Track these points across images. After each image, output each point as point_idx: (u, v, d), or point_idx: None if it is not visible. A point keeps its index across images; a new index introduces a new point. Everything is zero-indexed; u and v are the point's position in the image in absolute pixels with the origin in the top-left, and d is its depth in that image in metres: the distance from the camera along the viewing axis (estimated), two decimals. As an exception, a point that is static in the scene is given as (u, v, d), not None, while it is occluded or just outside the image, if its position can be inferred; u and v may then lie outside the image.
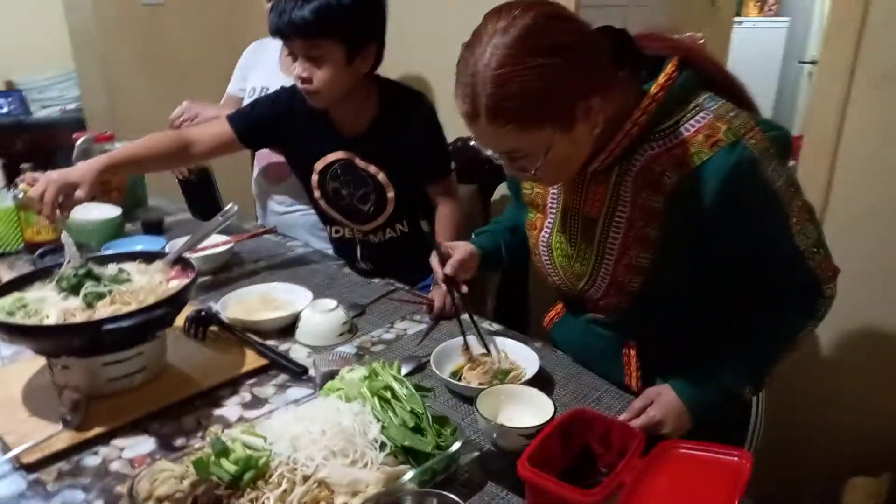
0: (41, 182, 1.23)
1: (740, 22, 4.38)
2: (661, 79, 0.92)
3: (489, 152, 0.94)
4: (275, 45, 1.91)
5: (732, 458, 0.80)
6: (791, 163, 2.33)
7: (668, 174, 0.92)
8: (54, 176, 1.23)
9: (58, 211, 1.23)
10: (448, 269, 1.13)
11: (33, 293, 0.98)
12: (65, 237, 1.12)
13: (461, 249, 1.18)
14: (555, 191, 1.09)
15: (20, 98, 5.06)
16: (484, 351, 1.15)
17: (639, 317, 1.06)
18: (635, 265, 1.00)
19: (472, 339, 1.17)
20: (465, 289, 1.16)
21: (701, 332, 1.05)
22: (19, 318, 0.93)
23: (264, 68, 1.88)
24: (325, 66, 1.33)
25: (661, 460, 0.81)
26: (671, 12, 2.29)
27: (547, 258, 1.12)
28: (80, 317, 0.93)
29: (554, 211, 1.09)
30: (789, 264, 0.96)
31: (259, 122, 1.48)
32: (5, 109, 4.97)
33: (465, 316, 1.18)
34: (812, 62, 4.40)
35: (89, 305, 0.96)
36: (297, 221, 1.84)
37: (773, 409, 1.19)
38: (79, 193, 1.24)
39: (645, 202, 0.95)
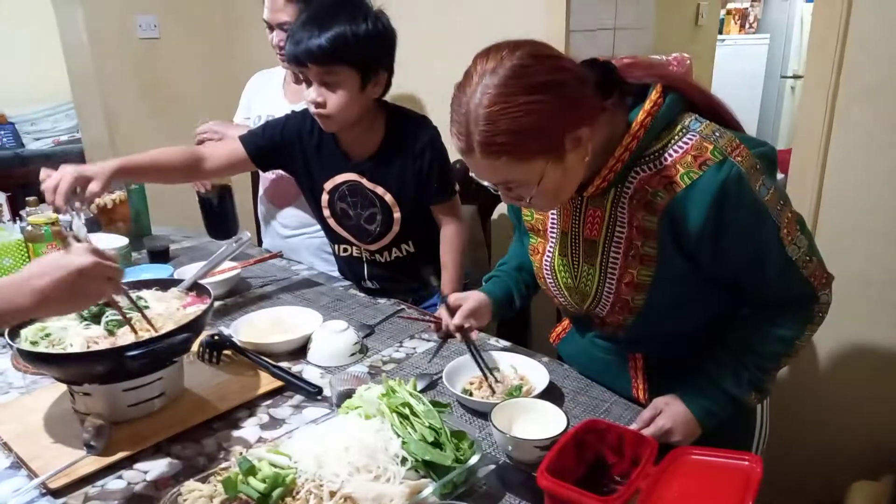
0: (56, 174, 1.25)
1: (723, 40, 4.49)
2: (647, 105, 0.97)
3: (486, 183, 0.99)
4: (277, 75, 1.96)
5: (743, 462, 0.83)
6: (780, 176, 2.40)
7: (661, 194, 0.96)
8: (69, 168, 1.25)
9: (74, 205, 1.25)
10: (457, 320, 1.17)
11: (55, 322, 1.00)
12: (77, 225, 1.18)
13: (471, 299, 1.21)
14: (554, 215, 1.13)
15: (13, 131, 5.10)
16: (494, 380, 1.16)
17: (643, 331, 1.10)
18: (637, 283, 1.03)
19: (488, 356, 1.20)
20: (475, 336, 1.20)
21: (704, 341, 1.08)
22: (43, 347, 0.95)
23: (268, 97, 1.92)
24: (339, 92, 1.37)
25: (674, 467, 0.84)
26: (657, 34, 2.36)
27: (552, 281, 1.16)
28: (103, 344, 0.96)
29: (554, 235, 1.13)
30: (783, 274, 0.99)
31: (270, 144, 1.53)
32: (-1, 142, 5.01)
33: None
34: (794, 76, 4.53)
35: (111, 333, 0.99)
36: (301, 244, 1.87)
37: (777, 416, 1.23)
38: (93, 187, 1.26)
39: (641, 222, 1.00)
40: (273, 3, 1.73)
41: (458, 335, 1.19)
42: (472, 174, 0.99)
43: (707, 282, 1.03)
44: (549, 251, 1.15)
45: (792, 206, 0.99)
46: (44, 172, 1.26)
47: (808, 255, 0.99)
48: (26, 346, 0.94)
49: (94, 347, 0.95)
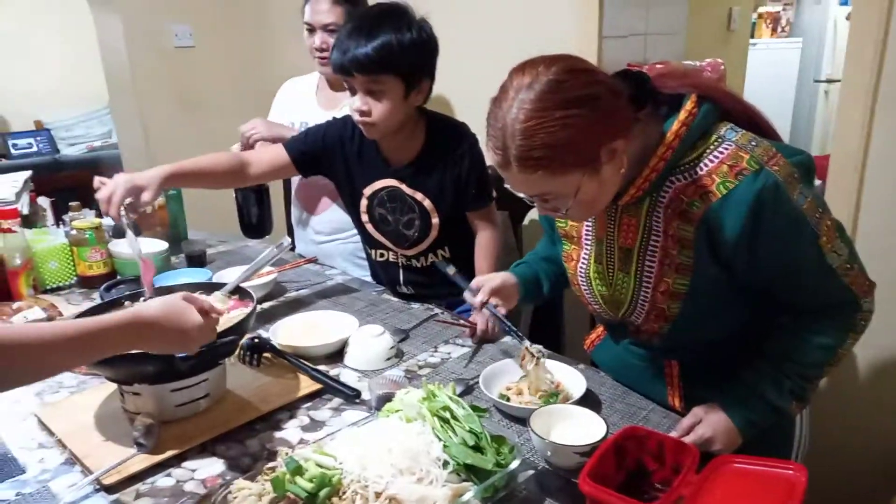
0: (110, 184, 1.29)
1: (755, 44, 4.44)
2: (682, 115, 0.97)
3: (521, 194, 1.00)
4: (310, 82, 1.99)
5: (787, 471, 0.82)
6: (818, 182, 2.37)
7: (697, 204, 0.97)
8: (122, 179, 1.29)
9: (123, 211, 1.30)
10: (481, 296, 1.19)
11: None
12: (130, 239, 1.24)
13: (497, 277, 1.23)
14: (589, 223, 1.14)
15: (48, 137, 5.25)
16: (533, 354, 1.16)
17: (678, 338, 1.10)
18: (673, 291, 1.04)
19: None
20: (502, 310, 1.21)
21: (741, 348, 1.08)
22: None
23: (302, 104, 1.95)
24: (384, 101, 1.39)
25: (716, 475, 0.84)
26: (689, 39, 2.34)
27: (586, 288, 1.16)
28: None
29: (589, 243, 1.14)
30: (824, 282, 0.99)
31: (312, 150, 1.56)
32: (35, 148, 5.16)
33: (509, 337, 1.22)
34: (828, 81, 4.46)
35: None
36: (335, 250, 1.90)
37: (817, 425, 1.21)
38: (146, 196, 1.31)
39: (676, 231, 1.00)
40: (317, 5, 1.76)
41: (483, 311, 1.21)
42: (506, 185, 1.00)
43: (743, 290, 1.03)
44: (584, 258, 1.15)
45: (831, 213, 0.99)
46: (97, 181, 1.31)
47: (849, 263, 0.98)
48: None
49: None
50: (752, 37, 4.61)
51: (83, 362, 0.85)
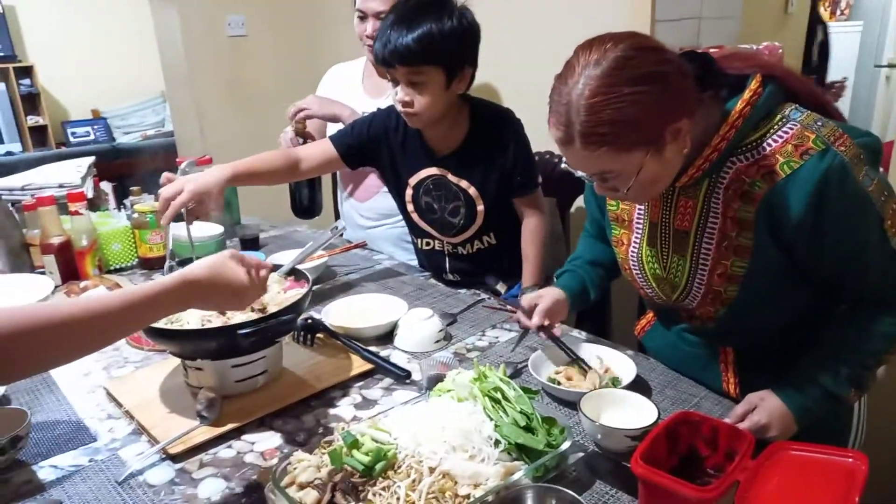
0: (174, 185, 1.32)
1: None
2: (746, 94, 0.96)
3: (580, 174, 0.99)
4: (354, 68, 2.01)
5: (846, 459, 0.81)
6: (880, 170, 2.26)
7: (759, 184, 0.95)
8: (188, 185, 1.32)
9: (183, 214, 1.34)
10: (535, 321, 1.19)
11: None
12: (183, 231, 1.32)
13: (547, 297, 1.22)
14: (641, 206, 1.13)
15: (105, 125, 5.46)
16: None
17: (734, 323, 1.08)
18: (731, 274, 1.02)
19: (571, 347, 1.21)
20: (558, 331, 1.21)
21: (797, 335, 1.06)
22: (163, 324, 1.03)
23: (348, 92, 1.97)
24: (426, 91, 1.40)
25: (772, 462, 0.83)
26: (745, 23, 2.28)
27: (638, 272, 1.16)
28: (216, 322, 1.03)
29: (641, 226, 1.13)
30: (887, 267, 0.96)
31: (359, 142, 1.58)
32: (92, 136, 5.37)
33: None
34: (889, 65, 4.26)
35: (223, 312, 1.06)
36: (382, 235, 1.93)
37: (875, 414, 1.18)
38: (210, 206, 1.36)
39: (736, 213, 0.98)
40: None
41: (541, 334, 1.21)
42: (563, 166, 1.00)
43: (803, 276, 1.01)
44: (636, 241, 1.14)
45: None
46: (165, 177, 1.35)
47: None
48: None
49: (208, 325, 1.03)
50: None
51: (141, 327, 0.88)
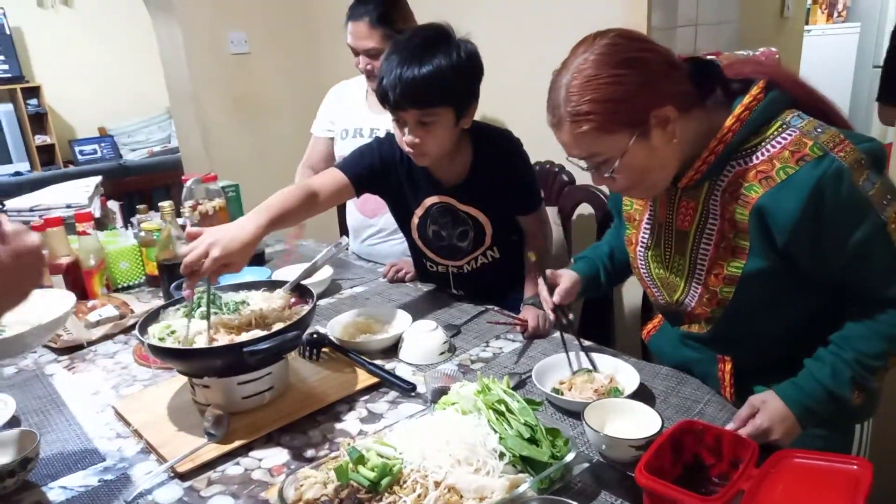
0: (202, 246, 1.11)
1: (809, 31, 4.29)
2: (746, 99, 0.98)
3: (580, 164, 1.03)
4: (358, 86, 2.02)
5: (851, 466, 0.81)
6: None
7: (755, 188, 0.97)
8: (216, 250, 1.11)
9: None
10: (556, 298, 1.23)
11: (177, 320, 1.10)
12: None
13: (566, 278, 1.26)
14: (652, 207, 1.15)
15: (112, 143, 5.51)
16: (588, 367, 1.19)
17: (731, 328, 1.09)
18: (727, 275, 1.04)
19: (573, 356, 1.22)
20: (571, 316, 1.24)
21: (795, 348, 1.06)
22: (169, 343, 1.05)
23: (352, 110, 1.98)
24: (436, 130, 1.37)
25: (776, 469, 0.83)
26: (742, 28, 2.29)
27: (645, 271, 1.18)
28: (222, 341, 1.04)
29: (650, 226, 1.16)
30: (891, 268, 0.97)
31: (369, 172, 1.53)
32: (99, 154, 5.42)
33: (570, 338, 1.24)
34: (889, 66, 4.25)
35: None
36: (389, 251, 1.94)
37: (881, 421, 1.17)
38: (234, 270, 1.16)
39: (733, 215, 1.00)
40: (357, 30, 1.76)
41: (551, 314, 1.25)
42: (567, 159, 1.04)
43: (803, 281, 1.01)
44: (643, 242, 1.17)
45: None
46: (188, 234, 1.15)
47: None
48: (155, 342, 1.03)
49: (215, 344, 1.04)
50: (807, 23, 4.44)
51: None
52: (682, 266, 1.10)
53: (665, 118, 0.95)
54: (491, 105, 2.27)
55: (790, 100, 1.01)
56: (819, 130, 0.95)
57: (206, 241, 1.11)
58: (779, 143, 0.96)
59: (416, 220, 1.58)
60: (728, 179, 1.00)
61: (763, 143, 0.97)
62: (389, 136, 1.53)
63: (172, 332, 1.06)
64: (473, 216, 1.53)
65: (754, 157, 0.97)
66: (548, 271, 1.28)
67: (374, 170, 1.53)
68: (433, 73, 1.30)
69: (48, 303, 1.17)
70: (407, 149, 1.40)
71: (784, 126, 0.97)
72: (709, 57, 1.05)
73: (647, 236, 1.16)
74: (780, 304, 1.05)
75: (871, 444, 1.15)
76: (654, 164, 1.00)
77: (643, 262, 1.17)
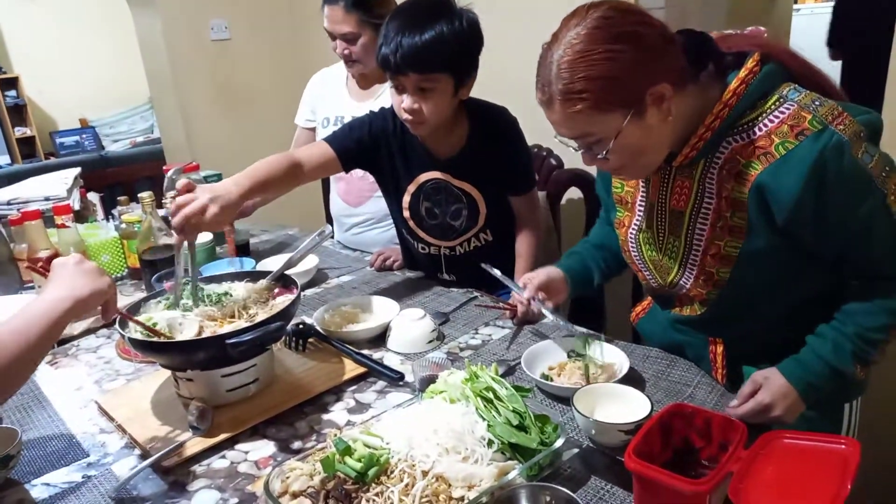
0: (202, 200, 1.13)
1: (798, 10, 4.27)
2: (742, 73, 0.95)
3: (570, 144, 1.00)
4: (337, 74, 1.98)
5: (839, 446, 0.80)
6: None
7: (754, 165, 0.95)
8: (215, 206, 1.13)
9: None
10: (527, 293, 1.21)
11: (161, 314, 1.08)
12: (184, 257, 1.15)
13: (542, 273, 1.24)
14: (644, 189, 1.13)
15: (94, 134, 5.43)
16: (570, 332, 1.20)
17: (725, 310, 1.08)
18: (724, 255, 1.02)
19: (564, 341, 1.21)
20: (550, 304, 1.23)
21: (788, 331, 1.06)
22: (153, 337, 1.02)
23: (333, 98, 1.95)
24: (435, 98, 1.36)
25: (765, 451, 0.83)
26: (730, 8, 2.27)
27: (636, 254, 1.16)
28: (206, 333, 1.02)
29: (642, 207, 1.13)
30: (892, 241, 0.96)
31: (357, 146, 1.51)
32: (81, 145, 5.34)
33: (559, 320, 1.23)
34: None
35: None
36: (375, 238, 1.92)
37: (870, 403, 1.17)
38: (216, 230, 1.30)
39: (730, 193, 0.98)
40: (332, 15, 1.73)
41: (533, 308, 1.23)
42: (554, 138, 1.00)
43: (800, 262, 1.00)
44: (636, 224, 1.15)
45: None
46: (183, 185, 1.15)
47: None
48: (136, 336, 1.01)
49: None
50: (796, 2, 4.43)
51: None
52: (676, 247, 1.08)
53: (661, 96, 0.92)
54: (479, 86, 2.25)
55: (786, 73, 0.99)
56: (817, 103, 0.93)
57: (207, 197, 1.14)
58: (777, 117, 0.94)
59: (407, 197, 1.56)
60: (724, 156, 0.98)
61: (760, 118, 0.95)
62: (384, 109, 1.52)
63: (154, 326, 1.04)
64: (468, 192, 1.51)
65: (751, 133, 0.95)
66: (524, 276, 1.26)
67: (362, 144, 1.51)
68: (435, 39, 1.30)
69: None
70: (405, 115, 1.39)
71: (781, 100, 0.95)
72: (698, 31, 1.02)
73: (640, 218, 1.14)
74: (776, 285, 1.04)
75: (860, 425, 1.16)
76: (649, 144, 0.97)
77: (634, 245, 1.16)
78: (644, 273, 1.17)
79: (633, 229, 1.15)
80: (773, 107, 0.95)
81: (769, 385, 0.99)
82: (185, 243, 1.13)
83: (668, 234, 1.09)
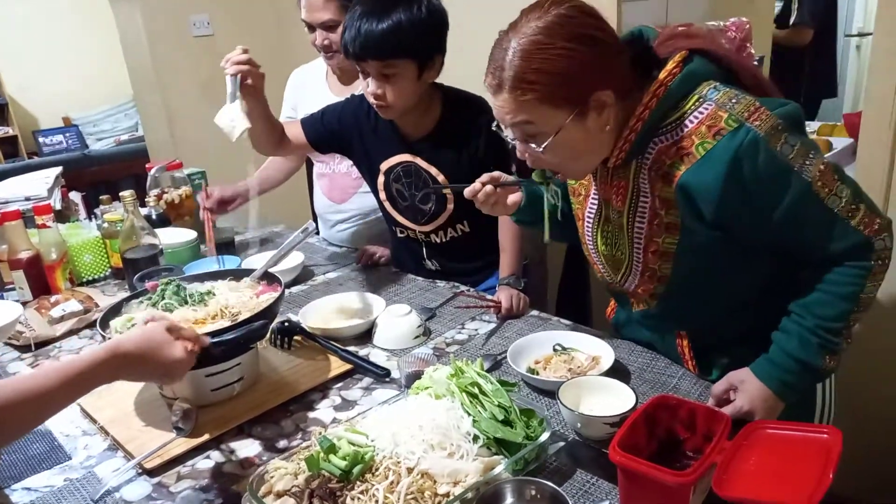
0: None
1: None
2: (662, 74, 0.96)
3: (506, 134, 1.00)
4: (318, 69, 1.97)
5: (822, 435, 0.81)
6: (849, 141, 2.28)
7: (677, 166, 0.96)
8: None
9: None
10: (483, 178, 1.18)
11: (142, 314, 1.06)
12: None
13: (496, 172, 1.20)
14: (595, 183, 1.13)
15: (77, 132, 5.36)
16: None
17: (677, 303, 1.09)
18: (663, 251, 1.04)
19: (550, 335, 1.21)
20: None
21: (748, 318, 1.07)
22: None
23: (313, 93, 1.93)
24: (398, 83, 1.38)
25: (749, 441, 0.83)
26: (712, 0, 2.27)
27: (592, 247, 1.17)
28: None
29: (594, 204, 1.14)
30: (828, 228, 0.95)
31: (328, 131, 1.57)
32: (64, 144, 5.28)
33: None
34: (859, 34, 4.29)
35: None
36: (359, 234, 1.91)
37: (843, 391, 1.18)
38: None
39: (661, 192, 1.00)
40: (312, 2, 1.71)
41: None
42: (494, 128, 1.02)
43: (743, 251, 1.01)
44: (589, 217, 1.16)
45: (824, 157, 0.94)
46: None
47: (854, 203, 0.94)
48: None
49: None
50: (779, -8, 4.44)
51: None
52: (622, 244, 1.09)
53: (602, 103, 0.93)
54: (459, 79, 2.24)
55: (711, 71, 0.99)
56: (734, 101, 0.93)
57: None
58: (696, 117, 0.95)
59: (381, 177, 1.59)
60: (652, 157, 0.99)
61: (683, 119, 0.96)
62: (361, 94, 1.54)
63: (134, 326, 1.02)
64: (434, 177, 1.52)
65: (675, 134, 0.96)
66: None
67: (332, 131, 1.58)
68: (392, 27, 1.32)
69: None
70: (372, 100, 1.42)
71: (701, 100, 0.95)
72: (661, 28, 1.02)
73: (592, 212, 1.15)
74: (722, 275, 1.05)
75: (836, 407, 1.17)
76: (585, 148, 0.99)
77: (591, 238, 1.16)
78: (599, 267, 1.18)
79: (588, 223, 1.16)
80: (692, 107, 0.95)
81: (745, 390, 1.00)
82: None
83: (614, 229, 1.10)
